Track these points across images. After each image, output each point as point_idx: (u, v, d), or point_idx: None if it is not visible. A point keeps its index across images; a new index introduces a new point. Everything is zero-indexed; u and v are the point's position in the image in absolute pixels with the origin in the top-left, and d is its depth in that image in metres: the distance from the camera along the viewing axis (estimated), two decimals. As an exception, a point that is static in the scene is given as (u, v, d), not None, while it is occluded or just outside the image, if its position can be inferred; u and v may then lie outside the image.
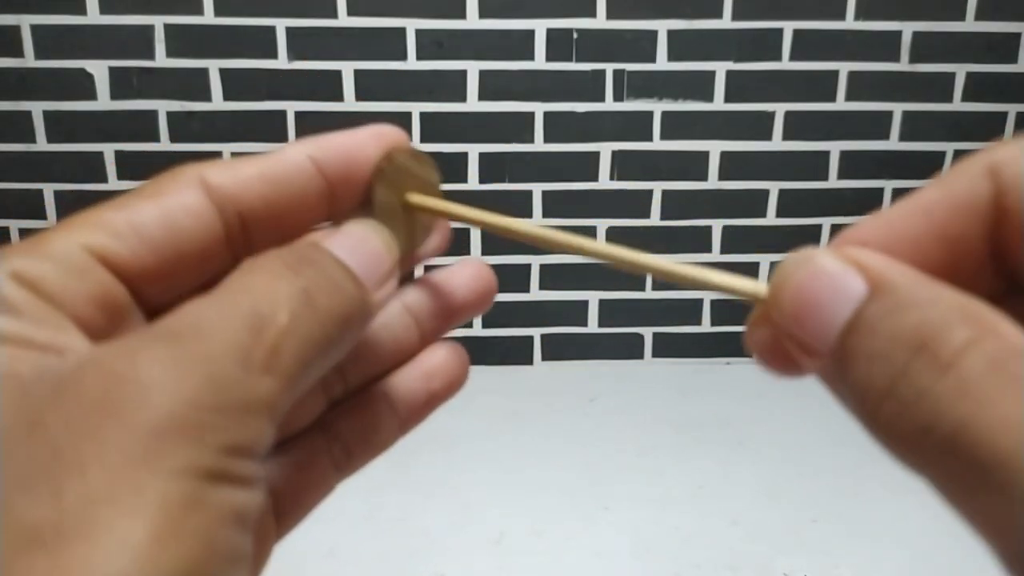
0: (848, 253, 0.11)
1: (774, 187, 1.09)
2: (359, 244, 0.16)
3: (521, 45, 1.01)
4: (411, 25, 1.00)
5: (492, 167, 1.05)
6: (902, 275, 0.10)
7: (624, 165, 1.07)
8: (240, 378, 0.11)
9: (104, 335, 0.14)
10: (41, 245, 0.14)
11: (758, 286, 0.14)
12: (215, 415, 0.11)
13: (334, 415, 0.20)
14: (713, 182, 1.08)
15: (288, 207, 0.16)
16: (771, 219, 1.10)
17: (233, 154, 1.03)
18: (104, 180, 1.03)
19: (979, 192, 0.11)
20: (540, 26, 1.01)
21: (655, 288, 1.12)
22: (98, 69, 0.99)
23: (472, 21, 1.00)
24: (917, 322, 0.09)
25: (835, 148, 1.09)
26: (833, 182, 1.09)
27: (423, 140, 1.04)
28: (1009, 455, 0.08)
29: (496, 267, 1.09)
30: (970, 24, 1.04)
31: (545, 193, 1.07)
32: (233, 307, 0.12)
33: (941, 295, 0.10)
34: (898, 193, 1.11)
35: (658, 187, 1.08)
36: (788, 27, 1.03)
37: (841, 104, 1.06)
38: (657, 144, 1.06)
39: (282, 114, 1.02)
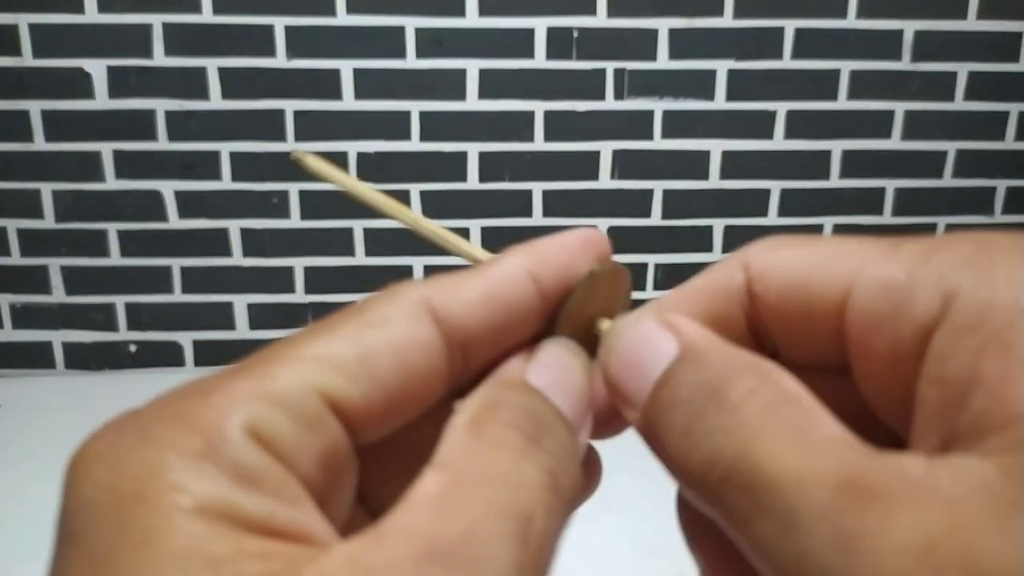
0: (666, 318, 0.13)
1: (776, 186, 1.09)
2: (566, 380, 0.14)
3: (521, 43, 1.01)
4: (410, 23, 1.00)
5: (492, 166, 1.05)
6: (706, 338, 0.12)
7: (625, 164, 1.06)
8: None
9: (323, 496, 0.12)
10: (269, 382, 0.13)
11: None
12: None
13: None
14: (714, 181, 1.08)
15: (508, 329, 0.15)
16: (773, 219, 1.10)
17: (232, 153, 1.02)
18: (102, 179, 1.02)
19: (734, 282, 0.13)
20: (540, 24, 1.00)
21: (656, 288, 1.12)
22: (96, 68, 0.99)
23: (472, 19, 1.00)
24: (713, 374, 0.11)
25: (837, 147, 1.08)
26: (835, 181, 1.09)
27: (422, 139, 1.03)
28: (777, 479, 0.09)
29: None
30: (972, 23, 1.04)
31: (545, 192, 1.06)
32: (495, 511, 0.11)
33: (735, 353, 0.12)
34: (900, 192, 1.11)
35: (659, 186, 1.08)
36: (790, 26, 1.02)
37: (843, 103, 1.06)
38: (658, 143, 1.06)
39: (281, 113, 1.01)
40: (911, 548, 0.08)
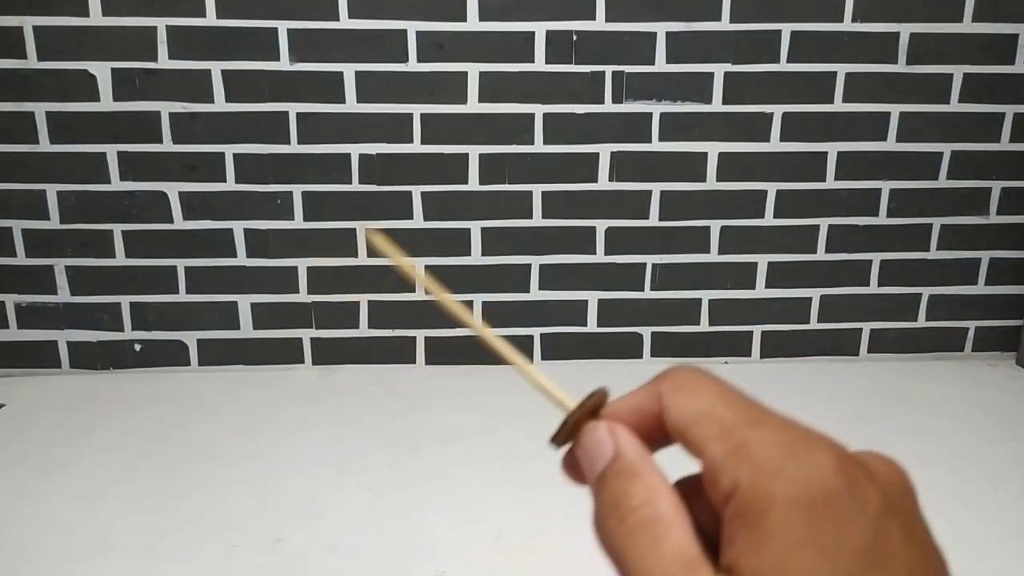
0: (613, 429, 0.18)
1: (772, 188, 1.10)
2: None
3: (521, 47, 1.02)
4: (412, 27, 1.01)
5: (492, 168, 1.06)
6: (632, 453, 0.18)
7: (623, 166, 1.07)
8: None
9: None
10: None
11: (570, 404, 0.20)
12: None
13: None
14: (711, 183, 1.09)
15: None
16: (769, 220, 1.11)
17: (236, 155, 1.03)
18: (107, 181, 1.03)
19: (653, 407, 0.18)
20: (540, 28, 1.01)
21: (653, 288, 1.13)
22: (101, 70, 1.00)
23: (472, 23, 1.01)
24: (621, 487, 0.17)
25: (832, 149, 1.09)
26: (831, 183, 1.10)
27: (423, 142, 1.04)
28: (631, 570, 0.15)
29: (496, 267, 1.11)
30: (967, 26, 1.05)
31: (544, 194, 1.07)
32: None
33: (644, 473, 0.17)
34: (895, 194, 1.12)
35: (657, 188, 1.09)
36: (786, 29, 1.03)
37: (839, 105, 1.07)
38: (656, 145, 1.07)
39: (284, 115, 1.02)
40: None
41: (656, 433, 0.18)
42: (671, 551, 0.16)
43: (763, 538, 0.14)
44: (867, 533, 0.14)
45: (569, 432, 0.20)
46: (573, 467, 0.20)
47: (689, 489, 0.17)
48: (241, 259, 1.07)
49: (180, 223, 1.06)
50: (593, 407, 0.20)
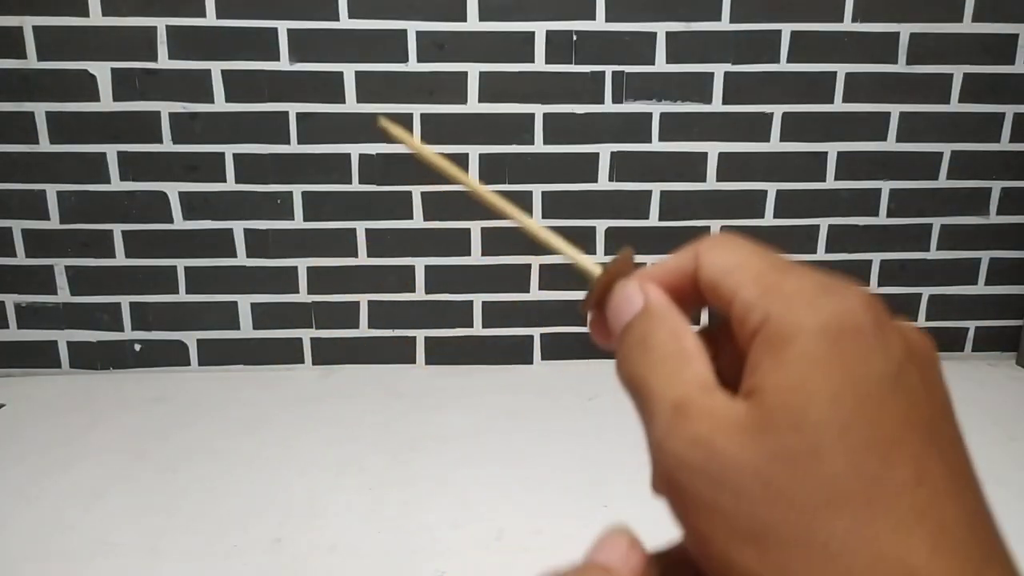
0: (643, 284, 0.19)
1: (772, 188, 1.10)
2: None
3: (521, 47, 1.02)
4: (412, 27, 1.01)
5: (492, 168, 1.06)
6: (658, 302, 0.18)
7: (623, 166, 1.07)
8: None
9: None
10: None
11: (596, 270, 0.21)
12: None
13: None
14: (711, 183, 1.09)
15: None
16: (769, 219, 1.11)
17: (236, 155, 1.03)
18: (107, 181, 1.03)
19: (689, 266, 0.18)
20: (540, 28, 1.01)
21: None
22: (101, 70, 1.00)
23: (472, 23, 1.01)
24: (647, 327, 0.18)
25: (832, 149, 1.09)
26: (830, 183, 1.10)
27: (424, 141, 1.04)
28: (653, 396, 0.16)
29: (496, 267, 1.10)
30: (967, 26, 1.05)
31: (545, 194, 1.07)
32: None
33: (666, 317, 0.18)
34: (895, 194, 1.12)
35: (656, 188, 1.09)
36: (786, 29, 1.03)
37: (839, 105, 1.07)
38: (656, 145, 1.07)
39: (284, 115, 1.02)
40: (688, 439, 0.15)
41: (688, 294, 0.19)
42: (692, 375, 0.16)
43: (788, 359, 0.15)
44: (890, 365, 0.15)
45: (599, 294, 0.20)
46: (601, 329, 0.21)
47: (710, 340, 0.18)
48: (241, 259, 1.07)
49: (180, 223, 1.06)
50: (622, 269, 0.21)
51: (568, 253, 0.21)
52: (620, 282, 0.20)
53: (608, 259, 0.19)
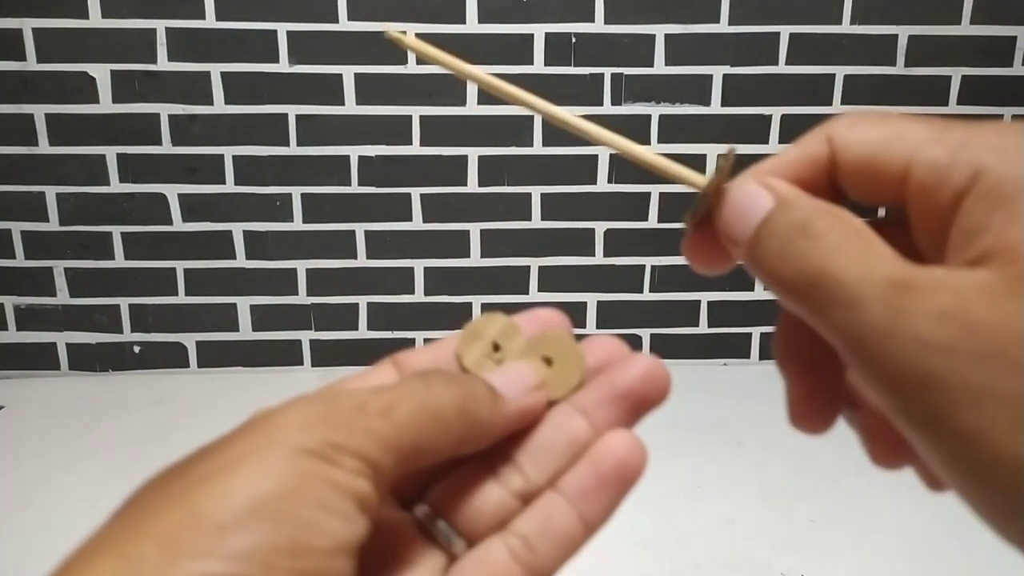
0: (763, 179, 0.17)
1: (771, 190, 1.10)
2: (507, 370, 0.22)
3: (520, 49, 1.02)
4: (411, 29, 1.01)
5: (491, 170, 1.06)
6: (793, 192, 0.16)
7: (622, 168, 1.07)
8: (352, 415, 0.17)
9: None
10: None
11: (700, 178, 0.19)
12: (326, 429, 0.16)
13: (516, 515, 0.22)
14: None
15: None
16: (768, 221, 1.11)
17: (235, 157, 1.03)
18: (106, 183, 1.03)
19: (821, 152, 0.17)
20: (539, 30, 1.02)
21: (652, 290, 1.13)
22: (100, 72, 1.00)
23: (472, 25, 1.01)
24: (800, 215, 0.16)
25: (831, 151, 1.09)
26: (829, 185, 1.10)
27: (423, 143, 1.04)
28: (848, 280, 0.14)
29: (494, 269, 1.11)
30: (966, 28, 1.05)
31: (544, 196, 1.07)
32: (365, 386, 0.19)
33: (816, 202, 0.16)
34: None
35: (656, 190, 1.09)
36: (785, 31, 1.04)
37: (837, 107, 1.07)
38: (655, 147, 1.07)
39: (283, 117, 1.02)
40: (932, 315, 0.13)
41: (819, 187, 0.17)
42: (888, 251, 0.14)
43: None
44: None
45: (709, 203, 0.18)
46: (703, 245, 0.19)
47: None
48: (240, 261, 1.07)
49: (179, 225, 1.06)
50: (729, 171, 0.17)
51: (657, 163, 0.19)
52: (733, 182, 0.18)
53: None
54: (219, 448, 0.17)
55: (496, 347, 0.23)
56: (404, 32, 0.22)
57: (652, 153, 0.20)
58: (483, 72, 0.21)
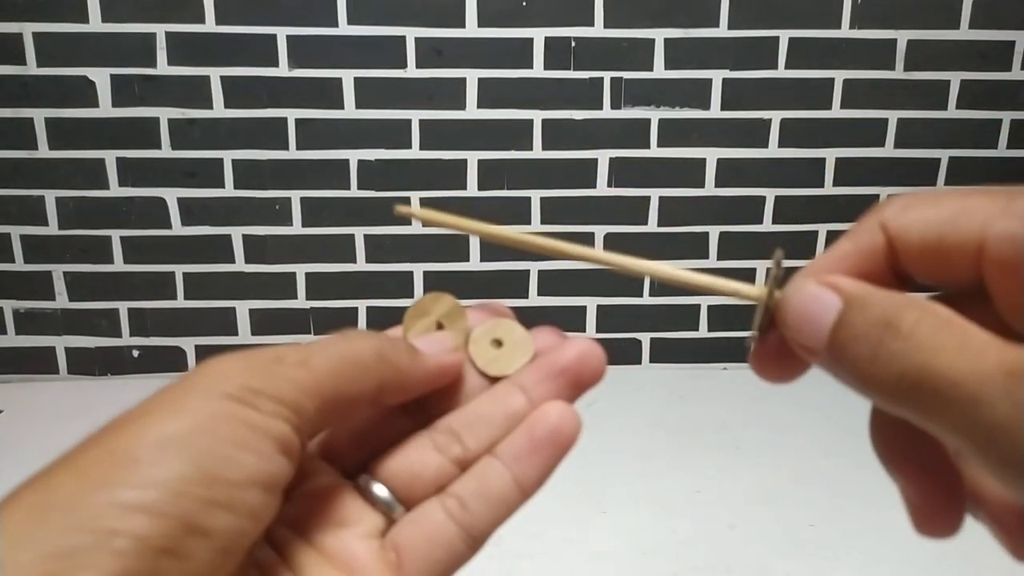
0: (825, 279, 0.16)
1: (770, 194, 1.10)
2: (428, 336, 0.24)
3: (519, 53, 1.02)
4: (411, 33, 1.01)
5: (491, 174, 1.06)
6: (863, 288, 0.15)
7: (622, 172, 1.07)
8: (271, 365, 0.18)
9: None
10: None
11: (755, 290, 0.17)
12: (246, 377, 0.17)
13: (455, 480, 0.24)
14: (710, 189, 1.09)
15: None
16: (767, 225, 1.11)
17: (234, 161, 1.03)
18: (106, 187, 1.03)
19: (876, 241, 0.16)
20: (538, 34, 1.02)
21: (652, 294, 1.13)
22: (100, 76, 1.00)
23: (471, 29, 1.01)
24: (880, 312, 0.15)
25: (831, 155, 1.09)
26: (829, 189, 1.10)
27: (422, 147, 1.05)
28: (959, 379, 0.13)
29: (494, 273, 1.11)
30: (964, 32, 1.05)
31: (543, 200, 1.07)
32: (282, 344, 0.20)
33: (892, 295, 0.15)
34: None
35: (655, 194, 1.09)
36: (784, 35, 1.04)
37: (836, 111, 1.07)
38: (654, 151, 1.07)
39: (283, 121, 1.02)
40: None
41: (881, 277, 0.16)
42: (986, 337, 0.13)
43: None
44: None
45: (771, 314, 0.17)
46: (770, 356, 0.18)
47: None
48: (239, 265, 1.07)
49: (178, 229, 1.06)
50: (782, 278, 0.17)
51: (706, 284, 0.18)
52: (790, 287, 0.17)
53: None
54: (146, 400, 0.18)
55: (439, 326, 0.25)
56: (409, 202, 0.24)
57: (702, 275, 0.19)
58: (502, 229, 0.23)
